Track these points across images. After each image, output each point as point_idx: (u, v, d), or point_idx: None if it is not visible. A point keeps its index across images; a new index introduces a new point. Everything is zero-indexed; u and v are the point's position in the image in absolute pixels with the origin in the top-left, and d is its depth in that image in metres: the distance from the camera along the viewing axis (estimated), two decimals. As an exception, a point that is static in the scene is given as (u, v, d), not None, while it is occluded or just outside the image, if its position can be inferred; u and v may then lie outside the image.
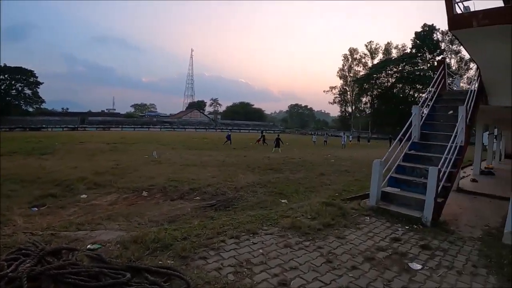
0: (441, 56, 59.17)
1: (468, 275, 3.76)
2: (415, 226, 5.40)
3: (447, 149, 5.97)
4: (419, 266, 3.87)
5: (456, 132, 6.33)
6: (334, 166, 15.57)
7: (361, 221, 5.54)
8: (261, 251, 4.04)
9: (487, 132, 16.11)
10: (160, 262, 3.47)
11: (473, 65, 62.19)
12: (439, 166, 5.60)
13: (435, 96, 8.60)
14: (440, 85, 9.02)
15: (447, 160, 5.91)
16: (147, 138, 36.29)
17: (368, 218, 5.74)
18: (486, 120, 14.37)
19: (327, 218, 5.30)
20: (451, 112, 7.91)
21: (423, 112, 8.12)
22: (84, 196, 8.78)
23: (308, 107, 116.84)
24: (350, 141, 32.47)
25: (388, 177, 6.69)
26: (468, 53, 6.53)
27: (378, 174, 6.22)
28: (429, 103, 8.48)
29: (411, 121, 7.39)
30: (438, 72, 9.16)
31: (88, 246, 3.81)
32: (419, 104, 7.65)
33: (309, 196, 8.69)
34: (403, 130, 7.26)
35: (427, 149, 7.18)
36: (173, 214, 7.20)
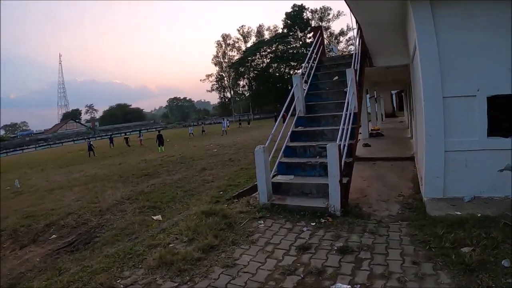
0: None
1: (415, 281, 2.84)
2: (323, 220, 4.43)
3: (343, 118, 5.11)
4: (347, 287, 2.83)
5: (348, 99, 5.51)
6: (217, 156, 14.60)
7: (254, 230, 4.35)
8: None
9: (368, 95, 17.03)
10: None
11: (342, 38, 69.47)
12: (337, 141, 4.68)
13: (315, 64, 7.93)
14: (320, 52, 8.42)
15: (344, 131, 5.06)
16: (17, 162, 32.09)
17: (263, 222, 4.59)
18: (367, 84, 14.99)
19: (208, 237, 4.03)
20: (336, 78, 7.29)
21: (305, 82, 7.32)
22: None
23: (188, 98, 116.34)
24: (228, 126, 31.78)
25: (276, 163, 5.61)
26: (352, 11, 5.87)
27: (264, 164, 5.07)
28: (310, 72, 7.72)
29: (293, 93, 6.43)
30: (316, 39, 8.58)
31: None
32: (300, 73, 6.69)
33: (188, 202, 7.41)
34: (285, 105, 6.28)
35: (317, 123, 6.36)
36: (16, 273, 5.18)
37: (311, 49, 8.28)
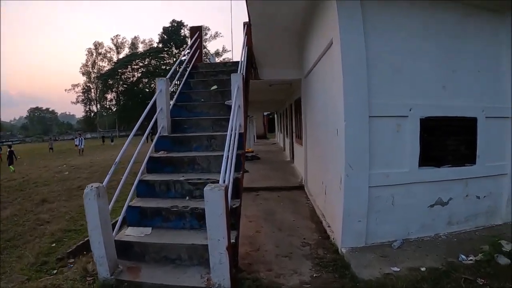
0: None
1: None
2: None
3: (227, 141, 3.32)
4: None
5: (233, 114, 3.78)
6: (66, 182, 11.06)
7: None
8: None
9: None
10: None
11: (218, 59, 70.61)
12: (220, 178, 2.84)
13: (189, 69, 6.14)
14: (196, 56, 6.64)
15: (229, 161, 3.24)
16: None
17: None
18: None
19: None
20: (214, 87, 5.56)
21: (173, 92, 5.43)
22: None
23: (51, 109, 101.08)
24: (76, 145, 25.87)
25: (125, 208, 3.43)
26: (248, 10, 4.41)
27: (100, 216, 2.84)
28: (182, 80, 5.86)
29: (155, 101, 4.41)
30: (193, 40, 6.79)
31: None
32: (167, 76, 4.72)
33: (8, 261, 4.51)
34: (152, 122, 4.34)
35: (186, 146, 4.45)
36: None
37: (186, 51, 6.47)
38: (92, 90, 71.66)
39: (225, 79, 5.37)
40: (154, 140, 4.41)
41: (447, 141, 3.88)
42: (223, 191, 2.46)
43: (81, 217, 6.40)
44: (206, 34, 65.21)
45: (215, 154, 3.99)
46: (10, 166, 14.75)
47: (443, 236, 3.79)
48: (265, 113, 31.19)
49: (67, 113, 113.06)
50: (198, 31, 7.09)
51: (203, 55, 7.96)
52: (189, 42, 6.87)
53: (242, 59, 5.09)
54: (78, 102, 73.20)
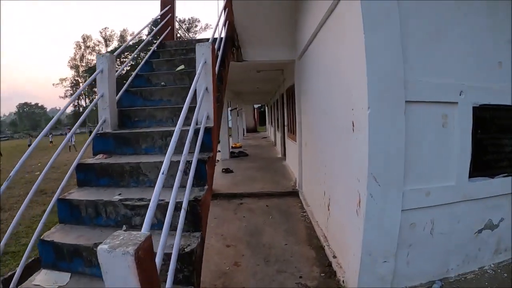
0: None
1: None
2: None
3: (187, 140, 2.06)
4: None
5: (198, 101, 2.54)
6: (32, 184, 9.56)
7: None
8: None
9: (230, 109, 14.93)
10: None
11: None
12: (173, 200, 1.63)
13: (154, 48, 4.88)
14: (166, 33, 5.35)
15: (190, 172, 2.14)
16: None
17: None
18: (229, 92, 12.63)
19: None
20: (181, 67, 4.28)
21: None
22: None
23: (40, 105, 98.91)
24: (51, 142, 24.08)
25: (30, 246, 2.13)
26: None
27: None
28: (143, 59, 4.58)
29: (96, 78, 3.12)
30: (162, 13, 5.47)
31: None
32: (116, 53, 3.41)
33: None
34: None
35: (134, 146, 3.13)
36: None
37: (154, 27, 5.21)
38: (81, 84, 70.57)
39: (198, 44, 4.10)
40: (90, 139, 3.12)
41: (504, 139, 2.68)
42: (132, 260, 1.15)
43: (29, 232, 5.13)
44: (196, 26, 63.68)
45: (175, 156, 2.71)
46: None
47: (489, 271, 2.75)
48: (256, 106, 29.97)
49: (57, 107, 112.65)
50: (170, 4, 5.75)
51: (177, 35, 6.64)
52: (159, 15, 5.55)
53: (220, 33, 3.81)
54: (66, 96, 71.51)
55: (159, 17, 5.48)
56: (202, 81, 2.89)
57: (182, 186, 2.37)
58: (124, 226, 2.42)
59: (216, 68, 3.66)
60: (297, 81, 5.52)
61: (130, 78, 4.02)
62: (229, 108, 14.99)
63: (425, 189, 2.33)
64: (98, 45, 72.17)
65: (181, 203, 2.04)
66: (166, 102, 3.67)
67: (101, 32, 71.22)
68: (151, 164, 2.71)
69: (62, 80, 71.63)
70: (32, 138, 30.95)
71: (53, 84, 79.71)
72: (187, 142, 2.21)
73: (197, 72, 2.76)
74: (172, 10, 5.68)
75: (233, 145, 14.21)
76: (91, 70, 64.91)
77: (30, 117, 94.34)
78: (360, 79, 2.13)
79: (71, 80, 71.92)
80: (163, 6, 5.79)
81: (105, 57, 3.20)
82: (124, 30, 71.82)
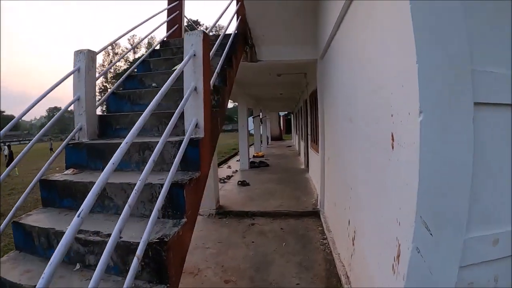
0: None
1: None
2: None
3: (176, 160, 1.68)
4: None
5: (183, 103, 1.93)
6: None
7: None
8: None
9: (252, 116, 14.34)
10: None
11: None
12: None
13: (155, 46, 4.37)
14: (172, 31, 4.84)
15: (157, 201, 1.60)
16: None
17: None
18: (250, 99, 12.02)
19: None
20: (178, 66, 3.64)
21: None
22: None
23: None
24: (51, 149, 24.21)
25: None
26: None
27: None
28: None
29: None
30: (169, 8, 4.96)
31: None
32: (98, 50, 2.86)
33: None
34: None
35: (108, 160, 2.50)
36: None
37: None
38: (109, 90, 73.70)
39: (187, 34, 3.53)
40: (59, 149, 2.56)
41: None
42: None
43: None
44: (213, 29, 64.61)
45: (149, 176, 2.11)
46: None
47: None
48: (282, 114, 29.29)
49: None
50: (178, 0, 5.22)
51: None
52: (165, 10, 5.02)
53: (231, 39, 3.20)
54: (94, 101, 75.69)
55: (166, 12, 4.93)
56: (190, 79, 2.27)
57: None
58: (78, 264, 1.86)
59: (219, 66, 3.04)
60: (319, 84, 4.77)
61: (120, 79, 3.49)
62: (251, 117, 14.40)
63: (492, 235, 1.53)
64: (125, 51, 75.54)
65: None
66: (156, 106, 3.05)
67: (129, 40, 73.87)
68: (117, 186, 2.10)
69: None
70: (53, 142, 31.85)
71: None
72: (176, 160, 1.63)
73: (180, 65, 2.13)
74: (180, 6, 5.13)
75: (255, 154, 13.59)
76: (118, 76, 67.82)
77: (60, 120, 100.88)
78: (405, 70, 1.39)
79: (99, 86, 75.94)
80: (170, 1, 5.26)
81: (83, 53, 2.66)
82: (151, 37, 74.22)
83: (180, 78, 3.32)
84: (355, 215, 2.64)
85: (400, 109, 1.45)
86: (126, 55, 71.02)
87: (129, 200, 1.40)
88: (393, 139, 1.55)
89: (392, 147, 1.56)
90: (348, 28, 2.65)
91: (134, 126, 1.63)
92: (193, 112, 2.26)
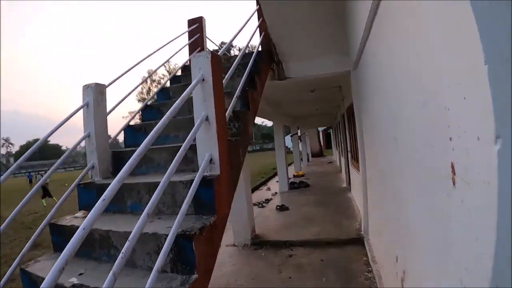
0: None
1: None
2: None
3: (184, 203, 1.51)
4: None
5: (191, 136, 1.66)
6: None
7: None
8: None
9: (290, 134, 14.03)
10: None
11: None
12: None
13: (175, 71, 4.30)
14: (194, 54, 4.65)
15: (159, 257, 1.34)
16: None
17: None
18: (286, 118, 11.71)
19: None
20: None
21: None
22: None
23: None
24: (31, 181, 24.26)
25: None
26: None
27: None
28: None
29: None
30: (190, 31, 4.88)
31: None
32: (108, 83, 2.75)
33: None
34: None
35: (119, 201, 2.30)
36: None
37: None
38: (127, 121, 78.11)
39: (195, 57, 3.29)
40: (69, 190, 2.40)
41: None
42: None
43: None
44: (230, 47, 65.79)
45: (158, 223, 1.87)
46: (43, 200, 13.95)
47: None
48: (321, 129, 28.57)
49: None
50: (197, 23, 5.13)
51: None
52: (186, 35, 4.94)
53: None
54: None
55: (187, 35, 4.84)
56: (200, 108, 2.00)
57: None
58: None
59: (239, 89, 2.77)
60: (355, 98, 4.34)
61: (137, 110, 3.35)
62: (289, 135, 14.08)
63: None
64: (163, 78, 79.25)
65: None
66: (173, 138, 2.84)
67: (165, 66, 78.04)
68: (121, 235, 1.85)
69: (130, 113, 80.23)
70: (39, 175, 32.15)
71: (122, 117, 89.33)
72: (184, 205, 1.39)
73: (185, 92, 1.88)
74: (201, 29, 5.02)
75: (295, 174, 13.14)
76: (155, 102, 71.87)
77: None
78: (468, 74, 0.98)
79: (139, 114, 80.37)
80: (190, 24, 5.18)
81: (90, 88, 2.52)
82: (187, 61, 78.10)
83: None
84: (405, 254, 2.16)
85: (462, 131, 1.04)
86: (163, 81, 75.35)
87: (123, 249, 1.16)
88: (454, 172, 1.12)
89: (453, 183, 1.13)
90: (381, 31, 2.26)
91: (124, 167, 1.36)
92: (206, 146, 1.98)
